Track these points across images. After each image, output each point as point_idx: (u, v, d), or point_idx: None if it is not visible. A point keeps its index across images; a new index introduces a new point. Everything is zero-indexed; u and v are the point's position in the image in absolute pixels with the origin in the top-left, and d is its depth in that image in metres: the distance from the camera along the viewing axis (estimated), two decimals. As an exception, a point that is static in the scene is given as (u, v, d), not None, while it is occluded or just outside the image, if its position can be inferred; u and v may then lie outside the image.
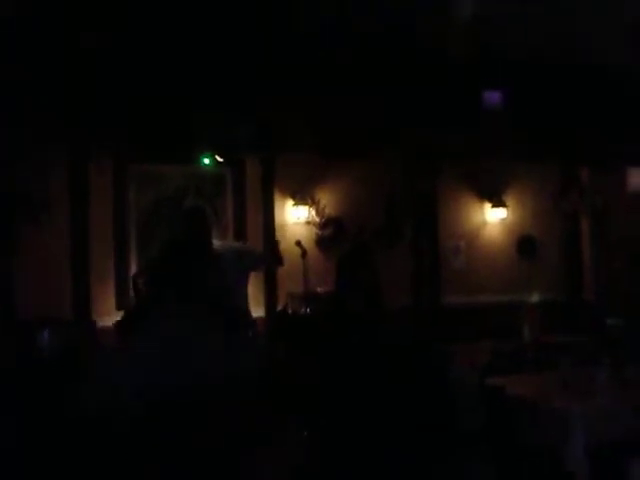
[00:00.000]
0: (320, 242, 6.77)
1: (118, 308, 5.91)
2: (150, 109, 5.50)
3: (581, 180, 7.72)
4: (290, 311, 5.48)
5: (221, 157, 6.04)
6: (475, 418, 4.19)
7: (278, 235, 6.50)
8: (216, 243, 4.48)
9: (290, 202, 6.71)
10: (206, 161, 6.09)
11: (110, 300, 6.08)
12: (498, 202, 7.51)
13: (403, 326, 5.00)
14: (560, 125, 6.37)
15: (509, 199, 7.60)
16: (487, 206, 7.54)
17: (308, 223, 6.76)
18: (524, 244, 7.63)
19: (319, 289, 5.21)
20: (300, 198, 6.72)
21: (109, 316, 5.79)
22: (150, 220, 6.29)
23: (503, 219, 7.56)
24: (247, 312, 4.56)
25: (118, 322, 4.33)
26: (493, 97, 5.86)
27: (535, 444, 3.69)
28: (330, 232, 6.82)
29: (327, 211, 6.85)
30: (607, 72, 5.90)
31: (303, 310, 5.10)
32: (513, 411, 3.82)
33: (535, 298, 6.22)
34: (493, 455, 4.00)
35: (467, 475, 4.21)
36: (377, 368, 4.13)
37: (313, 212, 6.78)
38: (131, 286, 5.28)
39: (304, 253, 5.13)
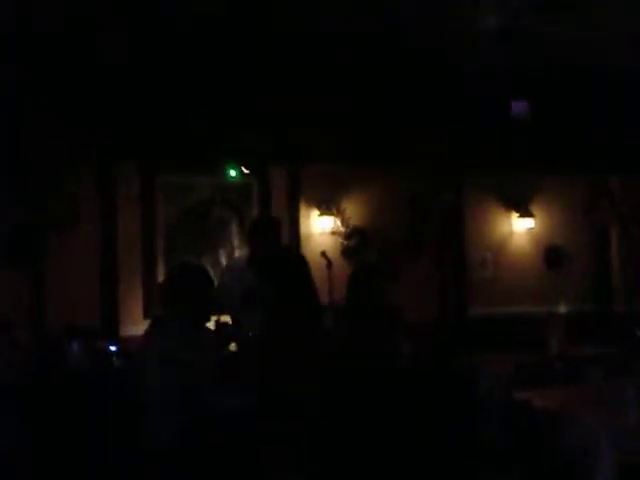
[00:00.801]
0: (345, 252, 6.77)
1: (145, 317, 5.98)
2: (177, 121, 5.57)
3: (610, 190, 7.63)
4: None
5: (247, 168, 6.09)
6: (504, 433, 4.15)
7: (303, 245, 6.53)
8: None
9: (316, 212, 6.73)
10: (232, 173, 6.15)
11: (138, 309, 6.15)
12: (525, 212, 7.44)
13: (425, 341, 4.95)
14: (588, 134, 6.31)
15: (536, 209, 7.53)
16: (514, 216, 7.48)
17: (333, 233, 6.76)
18: (551, 254, 7.54)
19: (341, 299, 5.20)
20: (325, 208, 6.74)
21: (137, 325, 5.87)
22: (177, 231, 6.36)
23: (530, 229, 7.50)
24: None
25: None
26: (521, 107, 5.82)
27: (563, 459, 3.64)
28: (355, 242, 6.82)
29: (352, 222, 6.85)
30: (636, 80, 5.84)
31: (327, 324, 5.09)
32: (541, 425, 3.78)
33: (562, 309, 6.15)
34: (522, 470, 3.96)
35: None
36: (397, 390, 4.07)
37: (338, 222, 6.79)
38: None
39: (329, 264, 5.13)
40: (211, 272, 6.30)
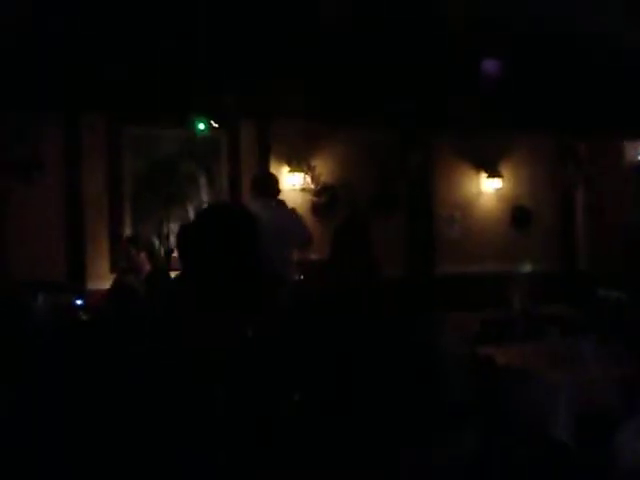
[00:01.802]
0: (315, 209, 6.76)
1: (112, 271, 5.93)
2: (145, 71, 5.43)
3: (578, 151, 7.71)
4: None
5: (216, 122, 5.99)
6: (464, 388, 4.24)
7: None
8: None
9: (285, 168, 6.69)
10: (201, 126, 6.05)
11: (104, 263, 6.09)
12: (494, 172, 7.50)
13: (396, 296, 5.03)
14: (557, 96, 6.33)
15: (504, 169, 7.59)
16: (483, 176, 7.53)
17: (303, 190, 6.74)
18: (518, 214, 7.64)
19: (313, 256, 5.23)
20: (296, 165, 6.70)
21: (103, 279, 5.83)
22: (144, 184, 6.27)
23: (498, 189, 7.56)
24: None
25: None
26: (491, 66, 5.80)
27: (523, 413, 3.75)
28: (325, 199, 6.81)
29: (322, 179, 6.83)
30: (606, 43, 5.84)
31: (297, 277, 5.13)
32: (502, 381, 3.87)
33: (527, 268, 6.25)
34: (482, 424, 4.06)
35: (456, 445, 4.28)
36: (371, 337, 4.18)
37: (308, 179, 6.76)
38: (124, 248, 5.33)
39: (299, 220, 5.14)
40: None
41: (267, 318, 2.59)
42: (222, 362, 2.40)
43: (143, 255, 5.13)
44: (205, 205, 6.33)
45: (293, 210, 5.20)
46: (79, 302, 5.33)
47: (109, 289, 5.27)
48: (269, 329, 2.57)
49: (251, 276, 2.63)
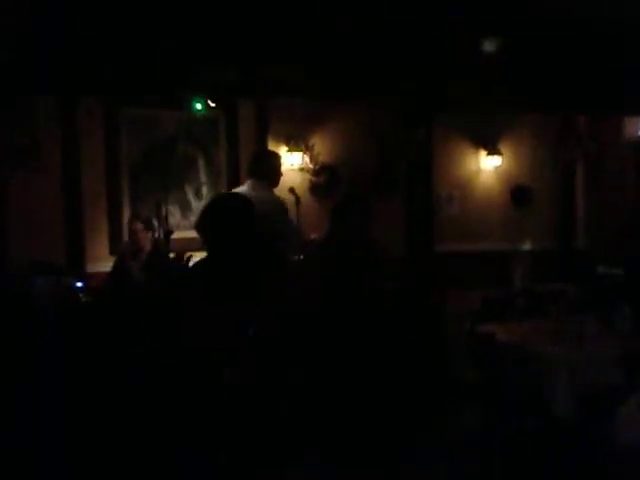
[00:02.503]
0: (314, 189, 6.74)
1: (111, 253, 5.92)
2: (141, 52, 5.38)
3: (578, 127, 7.66)
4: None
5: (213, 102, 5.94)
6: (465, 365, 4.26)
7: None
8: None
9: (284, 148, 6.65)
10: (198, 106, 5.99)
11: (104, 246, 6.08)
12: (493, 150, 7.46)
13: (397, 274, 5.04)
14: (557, 73, 6.28)
15: (504, 147, 7.55)
16: (482, 154, 7.50)
17: (302, 170, 6.71)
18: (518, 192, 7.62)
19: (313, 236, 5.21)
20: (294, 144, 6.66)
21: (103, 261, 5.83)
22: (142, 167, 6.24)
23: (497, 167, 7.53)
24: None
25: None
26: (491, 44, 5.75)
27: (523, 390, 3.76)
28: (324, 179, 6.79)
29: (321, 158, 6.80)
30: (605, 20, 5.78)
31: (296, 257, 5.12)
32: (502, 357, 3.89)
33: (527, 246, 6.27)
34: (483, 401, 4.09)
35: (457, 421, 4.31)
36: (371, 314, 4.19)
37: (307, 159, 6.73)
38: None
39: (298, 200, 5.11)
40: (178, 209, 6.34)
41: (268, 312, 2.59)
42: (222, 362, 2.41)
43: (150, 234, 5.17)
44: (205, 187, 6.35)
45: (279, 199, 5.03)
46: (79, 284, 5.33)
47: (109, 272, 5.28)
48: (270, 326, 2.57)
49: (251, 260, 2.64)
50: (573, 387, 3.46)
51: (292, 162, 6.64)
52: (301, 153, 6.68)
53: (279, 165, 5.05)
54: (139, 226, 5.19)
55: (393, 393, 4.21)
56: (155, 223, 5.27)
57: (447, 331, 5.09)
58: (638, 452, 2.86)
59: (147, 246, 5.18)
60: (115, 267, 5.28)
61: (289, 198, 5.07)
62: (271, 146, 6.56)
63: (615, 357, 3.50)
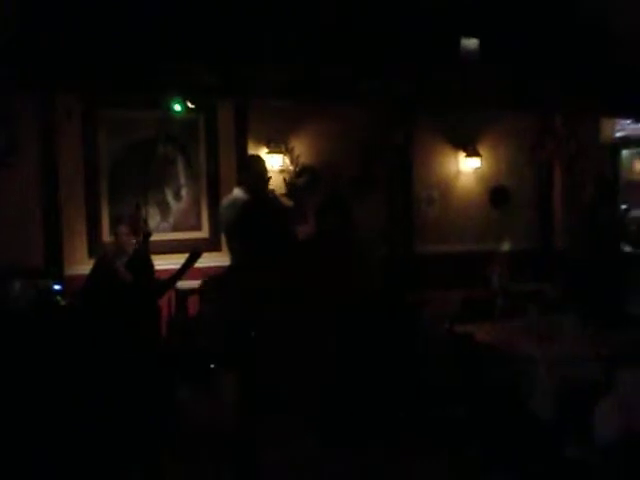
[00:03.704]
0: (294, 191, 6.72)
1: (90, 256, 5.87)
2: (119, 54, 5.34)
3: (556, 129, 7.73)
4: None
5: (192, 103, 5.91)
6: (445, 365, 4.28)
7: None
8: None
9: (264, 150, 6.64)
10: (177, 107, 5.96)
11: (82, 248, 6.03)
12: (472, 152, 7.50)
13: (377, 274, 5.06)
14: (535, 74, 6.34)
15: (483, 149, 7.60)
16: (461, 156, 7.54)
17: (282, 171, 6.71)
18: (497, 194, 7.67)
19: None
20: (274, 146, 6.65)
21: (81, 264, 5.77)
22: (121, 168, 6.20)
23: (477, 169, 7.58)
24: None
25: None
26: (470, 45, 5.79)
27: (503, 389, 3.79)
28: (304, 181, 6.78)
29: (301, 160, 6.80)
30: (583, 21, 5.86)
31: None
32: (481, 357, 3.91)
33: (505, 247, 6.31)
34: (462, 399, 4.11)
35: (436, 421, 4.32)
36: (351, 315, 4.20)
37: (287, 160, 6.72)
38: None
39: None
40: (157, 211, 6.30)
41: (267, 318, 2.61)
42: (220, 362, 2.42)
43: (133, 238, 5.11)
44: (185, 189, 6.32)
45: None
46: (57, 287, 5.27)
47: (90, 273, 5.21)
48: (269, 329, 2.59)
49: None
50: (551, 385, 3.50)
51: (272, 164, 6.63)
52: (281, 155, 6.67)
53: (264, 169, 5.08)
54: (124, 229, 5.12)
55: (371, 390, 4.22)
56: (142, 225, 5.24)
57: (427, 331, 5.10)
58: (616, 448, 2.89)
59: (130, 249, 5.11)
60: (97, 267, 5.20)
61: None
62: (251, 147, 6.55)
63: (592, 355, 3.54)
